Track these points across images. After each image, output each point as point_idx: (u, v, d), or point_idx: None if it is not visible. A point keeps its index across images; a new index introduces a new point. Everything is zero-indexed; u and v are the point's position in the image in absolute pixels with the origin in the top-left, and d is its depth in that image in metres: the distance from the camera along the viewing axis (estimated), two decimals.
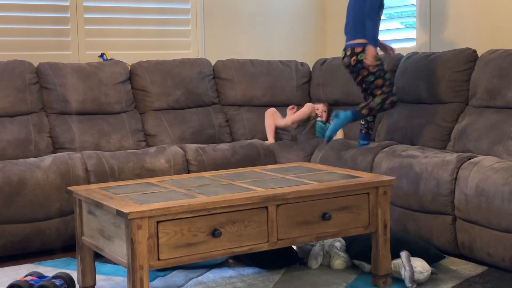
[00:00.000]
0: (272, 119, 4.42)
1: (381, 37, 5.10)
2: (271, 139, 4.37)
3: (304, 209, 2.65)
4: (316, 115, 4.42)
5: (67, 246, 3.40)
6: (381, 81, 3.82)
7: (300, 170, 3.10)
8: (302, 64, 4.93)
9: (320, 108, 4.55)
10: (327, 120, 4.52)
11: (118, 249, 2.44)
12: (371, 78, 3.82)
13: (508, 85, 3.64)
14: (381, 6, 3.87)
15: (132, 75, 4.41)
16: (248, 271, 3.08)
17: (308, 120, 4.34)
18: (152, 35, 4.78)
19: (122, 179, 3.51)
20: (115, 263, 3.07)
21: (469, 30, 4.21)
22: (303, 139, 4.28)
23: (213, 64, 4.71)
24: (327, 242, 3.16)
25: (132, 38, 4.72)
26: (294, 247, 3.21)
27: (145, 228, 2.33)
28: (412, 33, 4.74)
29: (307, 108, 4.36)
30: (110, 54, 4.58)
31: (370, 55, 3.77)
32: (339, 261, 3.08)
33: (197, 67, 4.58)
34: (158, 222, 2.36)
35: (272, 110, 4.46)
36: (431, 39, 4.52)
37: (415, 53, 4.36)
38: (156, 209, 2.35)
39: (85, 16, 4.54)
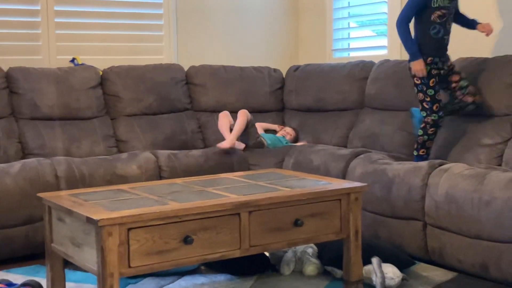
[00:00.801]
0: (227, 121, 4.27)
1: (355, 44, 5.19)
2: (228, 137, 4.12)
3: (276, 216, 2.64)
4: (252, 122, 4.25)
5: (36, 253, 3.35)
6: (422, 95, 3.57)
7: (272, 177, 3.10)
8: (275, 70, 4.95)
9: (288, 130, 4.55)
10: (292, 142, 4.48)
11: (88, 256, 2.41)
12: (415, 90, 3.62)
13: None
14: (421, 12, 3.54)
15: (103, 80, 4.38)
16: (220, 278, 3.07)
17: (246, 128, 4.18)
18: (124, 40, 4.75)
19: (93, 185, 3.48)
20: (85, 271, 3.03)
21: None
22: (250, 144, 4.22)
23: (186, 69, 4.69)
24: (299, 248, 3.16)
25: (104, 43, 4.69)
26: (267, 254, 3.21)
27: (115, 235, 2.30)
28: (384, 41, 4.78)
29: (242, 116, 4.15)
30: (81, 59, 4.54)
31: (414, 69, 3.57)
32: (311, 268, 3.09)
33: (170, 73, 4.57)
34: (129, 229, 2.33)
35: (226, 112, 4.34)
36: (402, 46, 4.55)
37: (387, 60, 4.40)
38: (127, 216, 2.32)
39: (56, 20, 4.49)
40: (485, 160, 3.51)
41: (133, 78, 4.42)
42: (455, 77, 3.62)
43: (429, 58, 3.55)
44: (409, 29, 3.61)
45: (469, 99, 3.59)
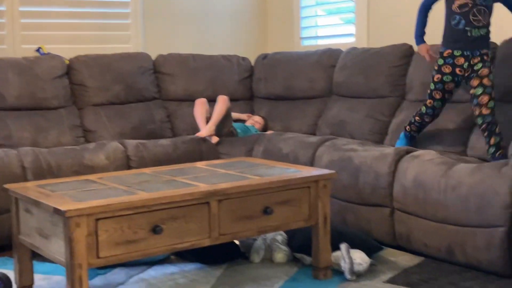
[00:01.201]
0: (203, 109, 4.27)
1: (323, 31, 5.21)
2: (204, 128, 4.13)
3: (246, 204, 2.66)
4: (230, 110, 4.24)
5: (3, 245, 3.31)
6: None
7: (242, 165, 3.11)
8: (243, 59, 4.94)
9: (256, 118, 4.55)
10: (261, 131, 4.45)
11: (56, 247, 2.39)
12: None
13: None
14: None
15: (70, 69, 4.32)
16: (190, 267, 3.07)
17: (224, 117, 4.19)
18: (90, 29, 4.70)
19: (60, 176, 3.43)
20: (53, 262, 3.00)
21: (406, 25, 4.30)
22: (222, 134, 4.20)
23: (153, 58, 4.66)
24: (269, 236, 3.18)
25: (70, 32, 4.62)
26: (236, 242, 3.22)
27: (83, 226, 2.29)
28: (351, 28, 4.81)
29: (222, 104, 4.15)
30: (47, 48, 4.47)
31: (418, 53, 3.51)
32: (280, 255, 3.11)
33: (137, 62, 4.53)
34: (97, 220, 2.32)
35: (203, 100, 4.33)
36: (369, 34, 4.60)
37: (354, 48, 4.43)
38: (95, 207, 2.31)
39: (20, 9, 4.42)
40: (450, 145, 3.56)
41: (100, 67, 4.37)
42: (475, 82, 3.21)
43: (447, 51, 3.28)
44: (423, 14, 3.45)
45: (476, 111, 3.23)
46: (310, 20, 5.19)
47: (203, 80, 4.69)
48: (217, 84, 4.71)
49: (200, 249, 2.82)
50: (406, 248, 3.21)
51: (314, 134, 4.31)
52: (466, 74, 3.27)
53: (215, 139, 4.10)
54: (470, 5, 3.18)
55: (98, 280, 2.91)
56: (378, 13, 4.52)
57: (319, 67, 4.52)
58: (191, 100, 4.55)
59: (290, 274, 2.94)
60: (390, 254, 3.19)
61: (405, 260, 3.11)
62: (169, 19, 4.99)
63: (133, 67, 4.49)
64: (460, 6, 3.21)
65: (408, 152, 3.28)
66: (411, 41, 4.09)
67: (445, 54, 3.32)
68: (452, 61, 3.29)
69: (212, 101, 4.36)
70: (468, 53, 3.24)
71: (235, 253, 3.16)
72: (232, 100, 4.63)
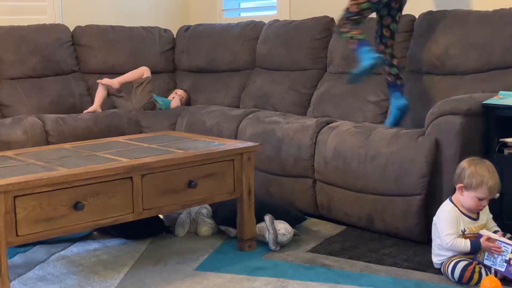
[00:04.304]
0: (104, 90, 4.19)
1: (247, 4, 5.19)
2: (96, 106, 4.08)
3: (169, 178, 2.64)
4: (148, 78, 4.23)
5: None
6: None
7: (165, 139, 3.08)
8: (165, 30, 4.86)
9: (179, 92, 4.49)
10: (181, 105, 4.40)
11: None
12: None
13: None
14: None
15: None
16: (113, 242, 3.04)
17: (140, 84, 4.18)
18: (4, 0, 4.50)
19: None
20: None
21: None
22: (137, 105, 4.16)
23: (71, 30, 4.52)
24: (194, 209, 3.18)
25: None
26: (161, 216, 3.21)
27: (1, 204, 2.21)
28: (273, 1, 4.81)
29: (139, 70, 4.17)
30: None
31: None
32: (205, 228, 3.12)
33: (54, 33, 4.38)
34: (15, 197, 2.25)
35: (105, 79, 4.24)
36: (291, 7, 4.62)
37: (276, 20, 4.45)
38: (12, 184, 2.23)
39: None
40: (371, 116, 3.65)
41: (15, 39, 4.21)
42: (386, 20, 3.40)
43: None
44: None
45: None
46: None
47: (123, 52, 4.59)
48: (138, 56, 4.63)
49: (124, 224, 2.79)
50: (328, 218, 3.29)
51: (237, 107, 4.32)
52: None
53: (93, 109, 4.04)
54: None
55: (18, 258, 2.84)
56: None
57: (242, 39, 4.51)
58: (112, 73, 4.45)
59: (215, 247, 2.96)
60: (313, 224, 3.26)
61: (327, 229, 3.18)
62: None
63: (50, 39, 4.34)
64: None
65: (328, 123, 3.34)
66: (332, 14, 4.15)
67: None
68: None
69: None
70: None
71: (160, 227, 3.14)
72: (154, 73, 4.57)
